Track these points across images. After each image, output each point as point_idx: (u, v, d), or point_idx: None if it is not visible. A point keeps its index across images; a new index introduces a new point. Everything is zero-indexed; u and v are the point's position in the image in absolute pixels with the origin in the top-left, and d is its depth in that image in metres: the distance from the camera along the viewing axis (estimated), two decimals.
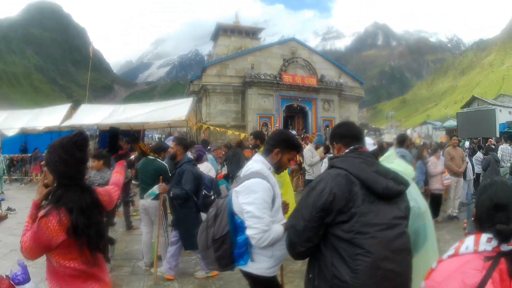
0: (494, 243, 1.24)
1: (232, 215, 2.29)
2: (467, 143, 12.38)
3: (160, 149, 5.60)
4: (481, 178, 10.04)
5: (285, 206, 2.58)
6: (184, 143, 4.67)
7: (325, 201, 1.69)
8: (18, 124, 15.80)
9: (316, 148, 8.16)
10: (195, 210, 4.32)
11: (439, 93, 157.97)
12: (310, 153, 7.84)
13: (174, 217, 4.50)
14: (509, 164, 9.44)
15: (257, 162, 2.40)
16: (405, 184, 1.86)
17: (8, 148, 16.79)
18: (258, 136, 5.22)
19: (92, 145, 17.10)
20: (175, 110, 14.98)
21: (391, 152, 2.60)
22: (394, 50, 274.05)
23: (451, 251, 1.33)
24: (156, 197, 4.60)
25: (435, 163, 7.43)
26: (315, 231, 1.74)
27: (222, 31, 35.60)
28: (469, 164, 9.00)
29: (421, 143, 21.46)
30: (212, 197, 4.32)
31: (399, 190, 1.80)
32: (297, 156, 10.40)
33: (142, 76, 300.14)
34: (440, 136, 37.78)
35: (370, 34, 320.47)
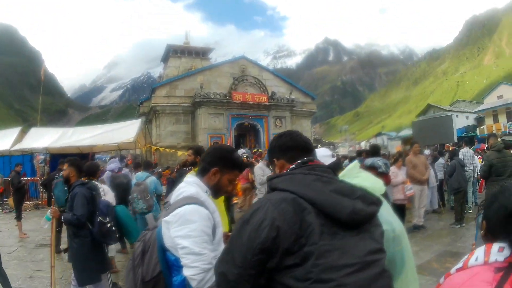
0: (507, 252, 1.07)
1: (163, 251, 1.86)
2: (427, 151, 12.55)
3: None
4: (444, 184, 10.15)
5: (226, 238, 2.10)
6: (77, 163, 4.30)
7: (265, 239, 1.20)
8: None
9: (268, 165, 7.84)
10: (90, 239, 3.89)
11: (392, 104, 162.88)
12: (261, 170, 7.62)
13: (69, 247, 4.08)
14: (471, 168, 9.53)
15: (190, 185, 1.97)
16: (377, 203, 1.37)
17: None
18: (197, 151, 4.38)
19: (43, 169, 16.68)
20: (123, 132, 14.95)
21: (354, 164, 1.96)
22: (346, 65, 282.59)
23: (459, 264, 1.14)
24: None
25: (396, 173, 7.17)
26: (253, 280, 1.23)
27: (172, 52, 35.41)
28: (432, 171, 9.05)
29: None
30: (108, 225, 3.92)
31: (370, 213, 1.32)
32: (249, 174, 10.18)
33: (95, 99, 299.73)
34: (395, 146, 38.46)
35: (321, 50, 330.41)
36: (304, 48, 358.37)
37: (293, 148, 1.57)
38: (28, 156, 15.77)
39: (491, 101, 40.84)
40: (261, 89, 27.55)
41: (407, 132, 43.20)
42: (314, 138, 56.67)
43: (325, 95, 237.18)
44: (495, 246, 1.10)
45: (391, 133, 65.28)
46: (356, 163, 1.97)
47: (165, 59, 36.90)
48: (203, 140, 24.31)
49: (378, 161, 4.11)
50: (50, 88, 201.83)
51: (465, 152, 9.80)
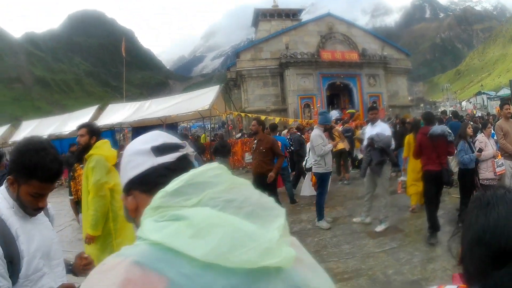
0: None
1: None
2: None
3: None
4: None
5: (85, 263, 1.62)
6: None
7: None
8: (47, 131, 15.88)
9: (325, 130, 6.46)
10: None
11: (491, 62, 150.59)
12: (320, 139, 5.89)
13: None
14: None
15: None
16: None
17: None
18: (92, 130, 3.46)
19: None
20: (200, 100, 14.30)
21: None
22: (443, 22, 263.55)
23: None
24: None
25: (485, 143, 5.43)
26: None
27: (261, 16, 34.26)
28: None
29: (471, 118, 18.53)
30: None
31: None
32: (336, 132, 8.37)
33: (196, 69, 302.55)
34: (495, 106, 34.99)
35: (417, 7, 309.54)
36: (400, 6, 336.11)
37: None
38: (108, 132, 14.89)
39: None
40: (351, 46, 25.52)
41: (506, 91, 38.02)
42: (417, 97, 52.68)
43: (426, 54, 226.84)
44: None
45: (491, 93, 58.56)
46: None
47: (255, 23, 35.90)
48: (293, 103, 23.29)
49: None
50: (147, 62, 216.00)
51: None
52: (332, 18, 27.27)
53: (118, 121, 14.74)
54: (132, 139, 9.58)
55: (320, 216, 5.97)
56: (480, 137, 5.59)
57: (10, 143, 17.58)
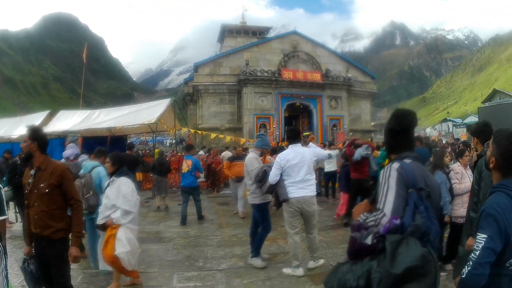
0: None
1: None
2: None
3: None
4: None
5: None
6: None
7: None
8: None
9: (262, 154, 6.12)
10: None
11: (458, 90, 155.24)
12: (257, 163, 5.47)
13: None
14: None
15: None
16: None
17: None
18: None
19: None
20: (148, 112, 13.40)
21: None
22: (412, 49, 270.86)
23: None
24: None
25: (461, 173, 4.68)
26: None
27: (228, 32, 33.73)
28: None
29: (441, 142, 17.91)
30: None
31: None
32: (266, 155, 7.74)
33: (162, 83, 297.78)
34: (461, 133, 35.78)
35: (388, 34, 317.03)
36: (371, 31, 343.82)
37: None
38: (59, 139, 14.30)
39: None
40: (314, 66, 24.66)
41: (472, 119, 38.78)
42: (380, 122, 52.92)
43: (393, 80, 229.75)
44: None
45: (457, 120, 59.83)
46: None
47: (221, 39, 35.24)
48: (249, 122, 22.12)
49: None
50: (115, 73, 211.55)
51: None
52: (297, 36, 26.38)
53: (66, 128, 13.75)
54: (82, 148, 7.34)
55: (256, 252, 5.19)
56: (456, 166, 4.80)
57: None
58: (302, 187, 4.63)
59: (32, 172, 3.10)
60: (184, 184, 8.41)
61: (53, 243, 3.01)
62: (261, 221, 5.29)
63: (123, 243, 3.89)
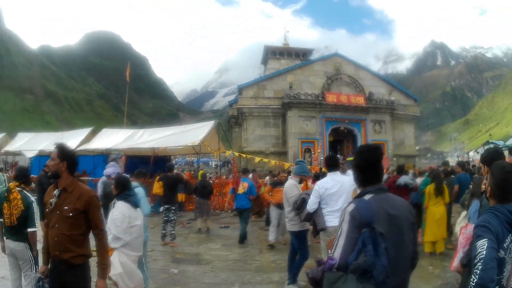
0: None
1: None
2: None
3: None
4: None
5: None
6: None
7: None
8: (39, 147, 15.93)
9: (301, 181, 5.99)
10: None
11: (500, 111, 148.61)
12: (296, 190, 5.48)
13: None
14: None
15: None
16: None
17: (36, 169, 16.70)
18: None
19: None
20: (192, 134, 13.79)
21: None
22: (453, 69, 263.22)
23: None
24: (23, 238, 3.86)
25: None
26: None
27: (271, 54, 34.37)
28: None
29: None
30: None
31: None
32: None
33: (207, 104, 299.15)
34: (507, 157, 33.72)
35: (429, 54, 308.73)
36: (413, 52, 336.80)
37: None
38: (102, 156, 14.92)
39: None
40: (358, 89, 24.68)
41: None
42: (424, 146, 51.68)
43: (436, 102, 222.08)
44: None
45: (499, 142, 57.14)
46: None
47: (265, 61, 35.88)
48: (294, 146, 22.32)
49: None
50: (159, 92, 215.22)
51: None
52: (340, 58, 26.54)
53: (108, 146, 14.23)
54: (125, 167, 7.88)
55: (293, 279, 5.18)
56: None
57: (2, 152, 18.71)
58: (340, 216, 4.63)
59: (56, 192, 2.96)
60: (238, 205, 8.89)
61: (74, 268, 2.90)
62: (298, 248, 5.28)
63: (115, 266, 3.93)
